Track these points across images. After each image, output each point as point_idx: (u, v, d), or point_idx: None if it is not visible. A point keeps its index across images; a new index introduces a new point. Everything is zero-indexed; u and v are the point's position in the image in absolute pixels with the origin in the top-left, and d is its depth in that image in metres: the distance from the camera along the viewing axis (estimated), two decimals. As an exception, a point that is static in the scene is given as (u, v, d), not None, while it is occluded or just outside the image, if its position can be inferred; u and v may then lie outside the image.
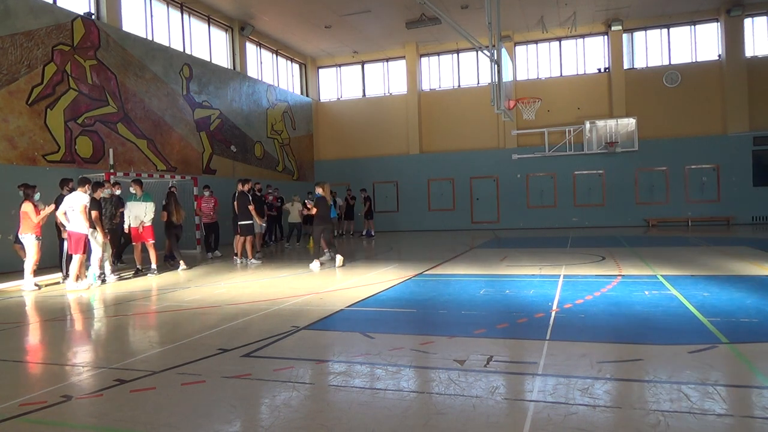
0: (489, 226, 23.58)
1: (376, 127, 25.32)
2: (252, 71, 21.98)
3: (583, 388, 3.70)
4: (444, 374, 4.10)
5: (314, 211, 11.58)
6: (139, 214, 10.91)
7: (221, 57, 20.44)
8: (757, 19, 21.33)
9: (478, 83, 24.38)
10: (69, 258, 9.47)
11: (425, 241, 18.28)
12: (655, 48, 22.56)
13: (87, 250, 9.33)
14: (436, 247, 15.52)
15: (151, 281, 10.16)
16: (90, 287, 9.32)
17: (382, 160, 25.04)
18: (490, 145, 23.92)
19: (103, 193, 10.34)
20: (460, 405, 3.49)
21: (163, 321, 6.72)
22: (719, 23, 21.52)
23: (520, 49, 23.79)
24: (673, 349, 4.65)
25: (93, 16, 15.00)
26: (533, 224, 23.07)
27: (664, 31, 22.38)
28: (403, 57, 24.86)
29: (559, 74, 23.54)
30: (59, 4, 14.13)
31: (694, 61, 22.01)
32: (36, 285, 9.39)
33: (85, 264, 9.50)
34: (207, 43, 19.70)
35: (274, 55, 23.79)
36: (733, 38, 21.05)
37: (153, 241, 11.03)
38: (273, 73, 23.68)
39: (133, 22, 16.54)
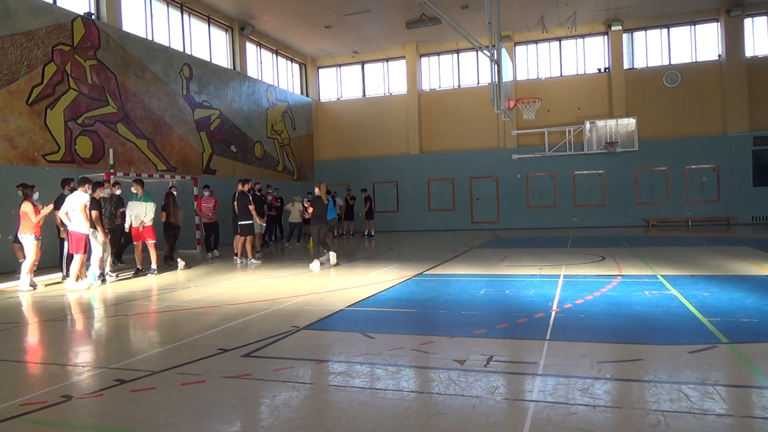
0: (489, 226, 23.57)
1: (376, 127, 25.32)
2: (252, 71, 21.98)
3: (583, 388, 3.70)
4: (444, 374, 4.10)
5: (311, 210, 11.74)
6: (139, 213, 10.92)
7: (221, 57, 20.44)
8: (757, 19, 21.32)
9: (478, 83, 24.38)
10: (70, 257, 9.47)
11: (425, 241, 18.28)
12: (655, 48, 22.55)
13: (88, 250, 9.33)
14: (436, 247, 15.52)
15: (151, 281, 10.16)
16: (90, 287, 9.32)
17: (382, 160, 25.04)
18: (490, 145, 23.92)
19: (102, 193, 10.35)
20: (460, 405, 3.49)
21: (163, 321, 6.72)
22: (719, 23, 21.52)
23: (520, 49, 23.79)
24: (673, 349, 4.65)
25: (93, 16, 15.00)
26: (533, 224, 23.07)
27: (664, 31, 22.38)
28: (403, 57, 24.86)
29: (559, 74, 23.54)
30: (59, 4, 14.13)
31: (694, 61, 22.01)
32: (32, 285, 9.35)
33: (86, 264, 9.50)
34: (207, 43, 19.70)
35: (274, 55, 23.79)
36: (733, 38, 21.05)
37: (153, 241, 11.02)
38: (273, 73, 23.68)
39: (133, 22, 16.54)
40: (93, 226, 9.39)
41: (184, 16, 18.55)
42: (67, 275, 9.52)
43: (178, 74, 17.71)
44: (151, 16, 17.26)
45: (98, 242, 9.64)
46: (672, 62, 22.23)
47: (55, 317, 7.09)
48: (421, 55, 24.99)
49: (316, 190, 11.84)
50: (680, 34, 22.28)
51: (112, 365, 4.64)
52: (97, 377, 4.32)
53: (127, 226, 11.10)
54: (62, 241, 10.22)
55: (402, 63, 25.09)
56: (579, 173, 22.70)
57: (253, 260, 12.54)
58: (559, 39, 23.31)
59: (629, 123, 21.52)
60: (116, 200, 11.44)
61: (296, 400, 3.71)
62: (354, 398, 3.71)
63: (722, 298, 6.70)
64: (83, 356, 5.11)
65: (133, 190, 11.03)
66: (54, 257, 11.29)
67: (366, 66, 25.93)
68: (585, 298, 6.95)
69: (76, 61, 14.19)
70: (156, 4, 17.46)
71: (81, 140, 14.23)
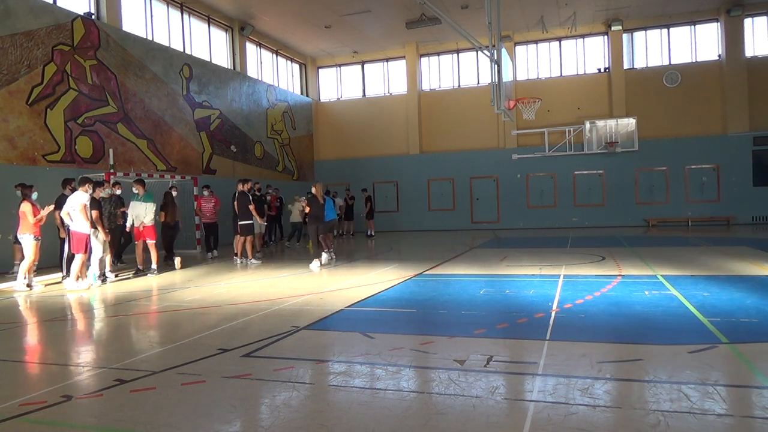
0: (489, 226, 23.57)
1: (376, 127, 25.32)
2: (252, 71, 21.98)
3: (583, 388, 3.70)
4: (444, 374, 4.10)
5: (308, 210, 11.89)
6: (139, 213, 10.94)
7: (221, 57, 20.44)
8: (757, 19, 21.32)
9: (478, 83, 24.38)
10: (71, 257, 9.47)
11: (425, 241, 18.28)
12: (655, 48, 22.55)
13: (88, 250, 9.33)
14: (436, 247, 15.51)
15: (152, 281, 10.16)
16: (90, 287, 9.32)
17: (382, 160, 25.04)
18: (490, 145, 23.92)
19: (102, 193, 10.36)
20: (460, 405, 3.49)
21: (163, 321, 6.72)
22: (719, 23, 21.52)
23: (520, 49, 23.78)
24: (673, 349, 4.65)
25: (93, 16, 15.00)
26: (533, 224, 23.07)
27: (664, 31, 22.38)
28: (403, 57, 24.85)
29: (559, 74, 23.54)
30: (59, 4, 14.13)
31: (694, 61, 22.00)
32: (28, 285, 9.28)
33: (86, 264, 9.50)
34: (207, 43, 19.69)
35: (274, 55, 23.79)
36: (733, 38, 21.05)
37: (154, 241, 11.03)
38: (273, 73, 23.67)
39: (133, 22, 16.54)
40: (94, 225, 9.39)
41: (184, 16, 18.55)
42: (67, 275, 9.52)
43: (178, 74, 17.71)
44: (151, 16, 17.26)
45: (99, 242, 9.64)
46: (672, 62, 22.23)
47: (55, 317, 7.09)
48: (421, 55, 24.98)
49: (313, 189, 11.95)
50: (680, 34, 22.28)
51: (112, 365, 4.64)
52: (97, 377, 4.32)
53: (128, 226, 11.15)
54: (62, 241, 10.22)
55: (402, 63, 25.09)
56: (579, 173, 22.70)
57: (253, 260, 12.54)
58: (559, 39, 23.30)
59: (629, 123, 21.52)
60: (116, 200, 11.46)
61: (296, 400, 3.71)
62: (354, 398, 3.71)
63: (722, 298, 6.70)
64: (83, 356, 5.11)
65: (135, 190, 11.05)
66: (54, 257, 11.28)
67: (366, 66, 25.93)
68: (585, 298, 6.95)
69: (76, 61, 14.19)
70: (156, 4, 17.46)
71: (81, 140, 14.22)
